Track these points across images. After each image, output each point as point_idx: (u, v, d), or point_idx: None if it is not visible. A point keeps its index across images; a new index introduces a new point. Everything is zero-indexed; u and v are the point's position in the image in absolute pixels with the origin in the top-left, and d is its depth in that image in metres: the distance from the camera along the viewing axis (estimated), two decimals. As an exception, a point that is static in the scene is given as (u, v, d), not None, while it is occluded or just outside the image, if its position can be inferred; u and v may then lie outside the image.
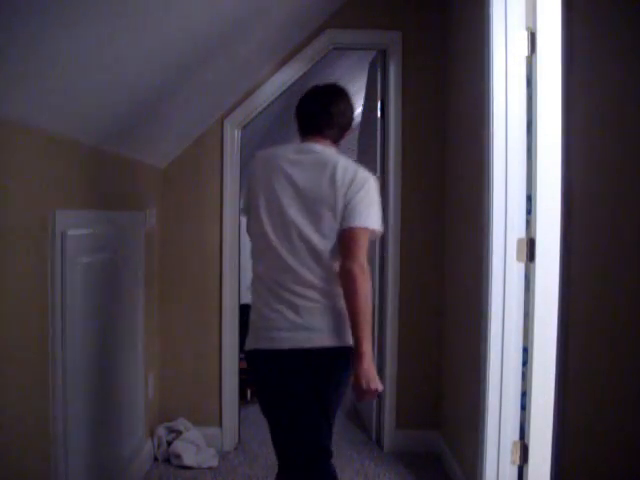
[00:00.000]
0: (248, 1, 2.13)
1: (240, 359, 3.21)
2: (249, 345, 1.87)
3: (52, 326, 1.68)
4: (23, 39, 1.25)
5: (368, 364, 1.69)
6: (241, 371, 3.21)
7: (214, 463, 2.85)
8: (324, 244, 1.73)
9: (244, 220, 2.05)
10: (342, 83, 4.82)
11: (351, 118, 1.96)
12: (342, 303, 1.73)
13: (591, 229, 2.25)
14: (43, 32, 1.27)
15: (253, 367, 1.90)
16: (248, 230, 1.94)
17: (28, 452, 1.58)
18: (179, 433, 2.89)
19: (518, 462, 2.08)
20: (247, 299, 5.67)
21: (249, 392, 3.76)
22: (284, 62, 3.01)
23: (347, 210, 1.73)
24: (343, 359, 1.75)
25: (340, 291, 1.73)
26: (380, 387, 1.72)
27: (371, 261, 3.14)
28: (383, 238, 3.11)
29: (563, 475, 2.19)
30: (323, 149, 1.83)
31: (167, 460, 2.84)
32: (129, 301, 2.38)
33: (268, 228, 1.78)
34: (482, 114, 2.19)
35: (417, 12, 3.00)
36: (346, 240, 1.73)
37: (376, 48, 3.12)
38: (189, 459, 2.78)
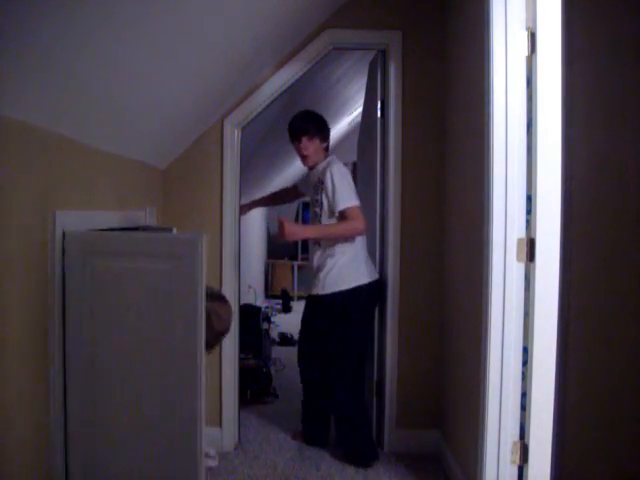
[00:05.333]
0: (252, 5, 2.13)
1: (240, 359, 3.21)
2: (373, 277, 2.92)
3: (52, 328, 1.67)
4: (38, 49, 1.25)
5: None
6: (241, 371, 3.21)
7: (214, 463, 2.85)
8: None
9: (241, 219, 2.81)
10: (342, 83, 4.81)
11: None
12: None
13: (591, 229, 2.25)
14: (56, 41, 1.28)
15: (376, 293, 2.98)
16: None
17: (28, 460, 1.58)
18: (179, 433, 2.89)
19: (518, 462, 2.08)
20: (247, 299, 5.69)
21: (249, 392, 3.76)
22: (284, 62, 3.01)
23: None
24: None
25: None
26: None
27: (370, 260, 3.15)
28: (383, 238, 3.12)
29: (563, 475, 2.19)
30: None
31: (167, 460, 2.84)
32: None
33: None
34: (482, 114, 2.19)
35: (417, 12, 3.01)
36: None
37: (376, 48, 3.12)
38: (189, 459, 2.78)
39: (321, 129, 2.97)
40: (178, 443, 1.76)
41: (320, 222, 2.91)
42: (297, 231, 2.78)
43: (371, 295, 2.95)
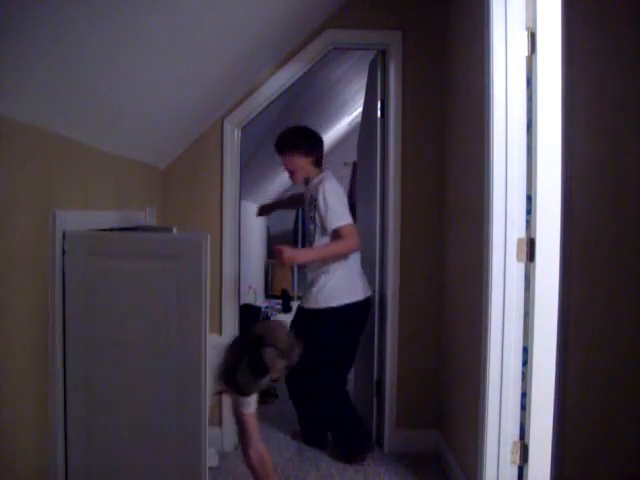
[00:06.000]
0: (252, 5, 2.13)
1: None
2: (367, 293, 2.91)
3: (52, 327, 1.67)
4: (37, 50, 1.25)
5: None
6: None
7: (214, 463, 2.84)
8: None
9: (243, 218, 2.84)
10: (342, 83, 4.82)
11: None
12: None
13: (591, 229, 2.25)
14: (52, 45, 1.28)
15: (369, 309, 2.96)
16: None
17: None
18: (179, 433, 2.89)
19: (518, 462, 2.08)
20: (247, 299, 5.68)
21: (249, 392, 3.76)
22: (284, 62, 3.01)
23: None
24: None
25: None
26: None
27: (370, 262, 3.15)
28: (383, 238, 3.12)
29: (563, 475, 2.19)
30: None
31: (167, 460, 2.84)
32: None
33: None
34: (482, 114, 2.19)
35: (417, 12, 3.01)
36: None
37: (376, 48, 3.12)
38: (189, 459, 2.78)
39: (302, 144, 2.87)
40: (179, 445, 1.75)
41: (314, 238, 2.88)
42: (295, 256, 2.77)
43: (364, 312, 2.93)
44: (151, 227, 2.62)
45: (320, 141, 2.97)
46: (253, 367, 1.87)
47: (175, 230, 2.38)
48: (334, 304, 2.81)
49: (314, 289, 2.86)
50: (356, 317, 2.88)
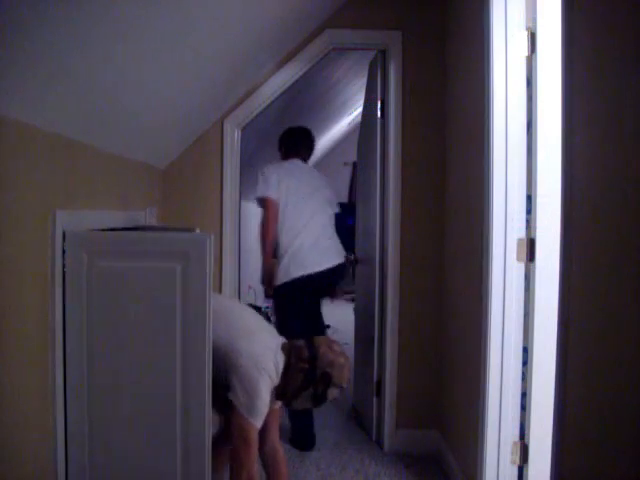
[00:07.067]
0: (250, 4, 2.13)
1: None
2: (317, 268, 3.09)
3: (52, 328, 1.67)
4: (38, 48, 1.25)
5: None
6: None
7: (214, 463, 2.84)
8: None
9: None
10: (342, 83, 4.83)
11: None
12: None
13: (591, 229, 2.25)
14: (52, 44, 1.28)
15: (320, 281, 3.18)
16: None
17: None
18: (179, 433, 2.89)
19: (518, 462, 2.08)
20: (247, 299, 5.67)
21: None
22: (284, 62, 3.01)
23: None
24: None
25: None
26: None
27: (370, 262, 3.15)
28: (382, 239, 3.12)
29: (563, 475, 2.19)
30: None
31: (167, 460, 2.84)
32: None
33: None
34: (482, 114, 2.19)
35: (417, 12, 3.01)
36: None
37: (376, 48, 3.12)
38: (189, 459, 2.78)
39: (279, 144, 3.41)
40: (182, 446, 1.75)
41: None
42: (263, 272, 3.18)
43: (316, 284, 3.13)
44: (156, 227, 2.61)
45: (283, 135, 3.39)
46: (314, 400, 2.00)
47: (198, 231, 2.35)
48: (286, 279, 3.09)
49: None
50: (306, 289, 3.11)
